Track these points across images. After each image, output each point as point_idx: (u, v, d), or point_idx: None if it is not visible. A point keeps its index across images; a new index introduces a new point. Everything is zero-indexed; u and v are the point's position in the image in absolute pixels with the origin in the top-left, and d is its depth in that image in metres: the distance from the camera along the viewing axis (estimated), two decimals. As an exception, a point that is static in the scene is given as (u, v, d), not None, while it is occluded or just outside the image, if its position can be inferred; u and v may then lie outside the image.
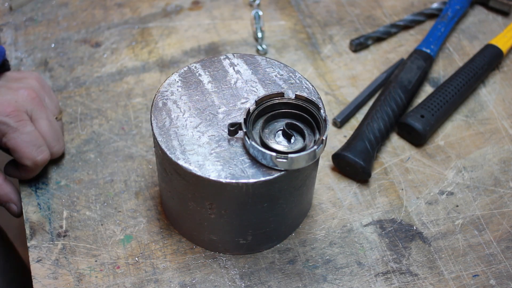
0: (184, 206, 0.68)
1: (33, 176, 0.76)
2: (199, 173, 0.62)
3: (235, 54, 0.71)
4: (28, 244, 0.72)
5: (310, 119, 0.65)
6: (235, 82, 0.69)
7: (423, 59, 0.86)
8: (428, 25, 0.95)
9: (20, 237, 1.11)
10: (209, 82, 0.69)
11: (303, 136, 0.64)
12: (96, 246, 0.73)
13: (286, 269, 0.71)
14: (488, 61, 0.87)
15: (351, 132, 0.82)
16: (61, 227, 0.74)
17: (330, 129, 0.83)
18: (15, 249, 0.95)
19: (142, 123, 0.83)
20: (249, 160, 0.63)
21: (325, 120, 0.63)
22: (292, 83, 0.69)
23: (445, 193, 0.78)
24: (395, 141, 0.82)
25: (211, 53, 0.91)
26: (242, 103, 0.67)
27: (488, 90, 0.88)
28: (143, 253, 0.72)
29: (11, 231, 0.99)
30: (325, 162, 0.80)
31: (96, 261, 0.71)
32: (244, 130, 0.62)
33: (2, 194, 0.74)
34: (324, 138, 0.62)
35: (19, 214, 0.76)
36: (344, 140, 0.82)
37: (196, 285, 0.70)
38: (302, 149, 0.62)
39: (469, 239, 0.74)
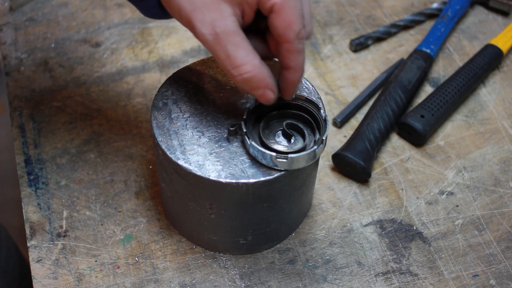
0: (184, 206, 0.68)
1: (299, 63, 0.60)
2: (199, 173, 0.62)
3: (235, 54, 0.71)
4: (28, 244, 0.72)
5: (310, 119, 0.65)
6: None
7: (423, 59, 0.86)
8: (428, 25, 0.95)
9: (20, 237, 1.11)
10: (209, 82, 0.69)
11: (303, 136, 0.64)
12: (96, 246, 0.73)
13: (286, 269, 0.71)
14: (488, 61, 0.87)
15: (351, 132, 0.82)
16: (61, 227, 0.74)
17: (330, 129, 0.83)
18: (18, 249, 0.95)
19: (142, 123, 0.83)
20: (249, 160, 0.63)
21: (325, 120, 0.63)
22: (292, 83, 0.69)
23: (445, 193, 0.78)
24: (395, 141, 0.82)
25: (211, 53, 0.91)
26: (242, 103, 0.67)
27: (488, 90, 0.88)
28: (143, 253, 0.72)
29: (11, 231, 0.99)
30: (325, 162, 0.80)
31: (96, 261, 0.71)
32: (244, 130, 0.62)
33: (259, 79, 0.58)
34: (324, 138, 0.62)
35: (274, 101, 0.61)
36: (344, 140, 0.82)
37: (196, 285, 0.70)
38: (302, 149, 0.62)
39: (469, 239, 0.74)
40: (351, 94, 0.87)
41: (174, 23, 0.95)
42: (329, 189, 0.78)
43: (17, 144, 0.81)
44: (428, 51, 0.88)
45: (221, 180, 0.61)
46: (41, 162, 0.79)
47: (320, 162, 0.79)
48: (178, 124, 0.65)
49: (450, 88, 0.84)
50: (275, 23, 0.56)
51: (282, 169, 0.62)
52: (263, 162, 0.62)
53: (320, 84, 0.88)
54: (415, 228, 0.75)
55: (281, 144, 0.64)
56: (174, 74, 0.69)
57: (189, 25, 0.57)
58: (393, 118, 0.81)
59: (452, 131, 0.84)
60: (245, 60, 0.57)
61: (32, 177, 0.78)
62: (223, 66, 0.58)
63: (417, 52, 0.87)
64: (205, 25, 0.56)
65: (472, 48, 0.93)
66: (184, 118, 0.66)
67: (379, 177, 0.79)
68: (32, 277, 0.70)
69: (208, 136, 0.64)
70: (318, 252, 0.73)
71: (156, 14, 0.61)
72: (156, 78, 0.88)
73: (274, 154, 0.60)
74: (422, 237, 0.74)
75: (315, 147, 0.61)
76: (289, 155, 0.60)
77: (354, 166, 0.76)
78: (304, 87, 0.68)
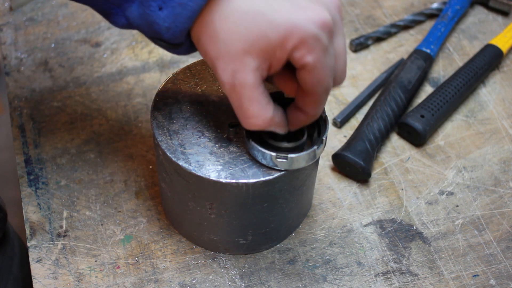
0: (184, 206, 0.68)
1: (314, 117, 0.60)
2: (199, 173, 0.62)
3: (235, 54, 0.71)
4: (28, 244, 0.72)
5: (310, 119, 0.65)
6: (235, 82, 0.69)
7: (423, 59, 0.86)
8: (428, 25, 0.95)
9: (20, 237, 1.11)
10: (209, 81, 0.69)
11: (303, 136, 0.64)
12: (96, 246, 0.73)
13: (286, 269, 0.71)
14: (488, 61, 0.88)
15: (351, 132, 0.82)
16: (61, 227, 0.74)
17: (330, 129, 0.83)
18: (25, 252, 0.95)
19: (142, 123, 0.83)
20: (249, 160, 0.63)
21: (325, 120, 0.63)
22: (292, 83, 0.69)
23: (445, 193, 0.78)
24: (395, 141, 0.82)
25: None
26: (242, 103, 0.67)
27: (488, 90, 0.88)
28: (143, 253, 0.72)
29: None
30: (325, 162, 0.80)
31: (96, 261, 0.71)
32: (244, 130, 0.62)
33: (266, 129, 0.59)
34: (324, 138, 0.62)
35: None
36: (344, 140, 0.82)
37: (196, 285, 0.70)
38: (302, 149, 0.62)
39: (469, 239, 0.74)
40: (351, 94, 0.87)
41: (174, 23, 0.95)
42: (329, 189, 0.78)
43: (17, 144, 0.81)
44: (428, 51, 0.88)
45: (221, 180, 0.61)
46: (41, 162, 0.79)
47: (320, 162, 0.79)
48: (178, 124, 0.65)
49: (450, 88, 0.84)
50: (305, 79, 0.55)
51: (282, 169, 0.62)
52: (263, 162, 0.62)
53: (320, 84, 0.88)
54: (415, 228, 0.75)
55: (281, 144, 0.64)
56: (174, 74, 0.69)
57: (213, 67, 0.57)
58: (393, 118, 0.81)
59: (452, 131, 0.84)
60: (256, 114, 0.57)
61: (32, 177, 0.78)
62: (235, 112, 0.58)
63: (417, 52, 0.87)
64: (226, 74, 0.55)
65: (472, 48, 0.93)
66: (184, 118, 0.66)
67: (379, 177, 0.79)
68: (32, 277, 0.70)
69: (208, 136, 0.64)
70: (318, 252, 0.73)
71: (188, 51, 0.61)
72: (156, 78, 0.88)
73: (274, 154, 0.60)
74: (422, 237, 0.74)
75: (315, 147, 0.61)
76: (289, 155, 0.60)
77: (354, 166, 0.76)
78: (304, 87, 0.68)
